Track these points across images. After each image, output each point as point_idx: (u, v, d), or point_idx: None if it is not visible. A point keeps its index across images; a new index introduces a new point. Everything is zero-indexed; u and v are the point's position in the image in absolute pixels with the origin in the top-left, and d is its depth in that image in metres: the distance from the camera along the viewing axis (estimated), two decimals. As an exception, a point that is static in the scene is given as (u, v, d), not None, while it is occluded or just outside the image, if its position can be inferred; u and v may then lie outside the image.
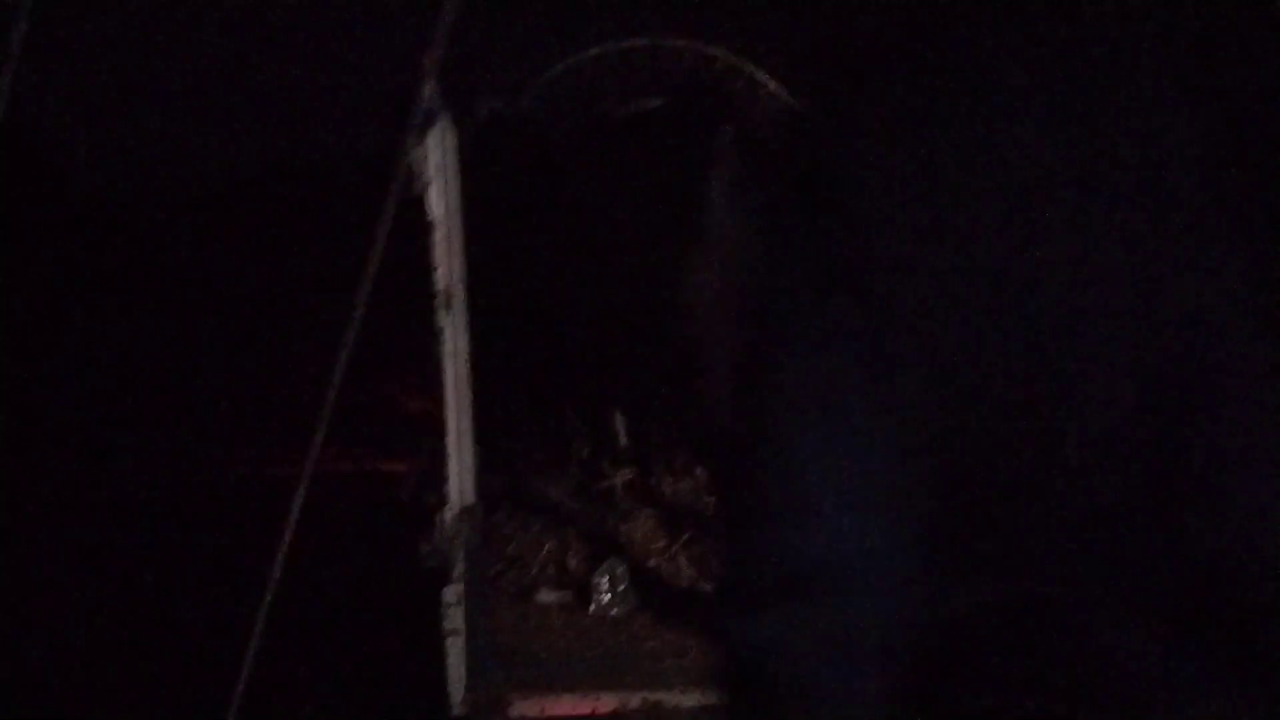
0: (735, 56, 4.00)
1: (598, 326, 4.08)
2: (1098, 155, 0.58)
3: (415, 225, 2.71)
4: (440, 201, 2.81)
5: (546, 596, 3.46)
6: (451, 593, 2.85)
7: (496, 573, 3.53)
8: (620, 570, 3.48)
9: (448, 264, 2.87)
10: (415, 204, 2.71)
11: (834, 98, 0.67)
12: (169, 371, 4.88)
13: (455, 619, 2.88)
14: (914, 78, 0.63)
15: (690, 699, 2.86)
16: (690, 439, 4.33)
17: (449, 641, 2.86)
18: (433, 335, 2.81)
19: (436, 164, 2.79)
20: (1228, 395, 0.58)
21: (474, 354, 2.98)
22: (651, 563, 3.59)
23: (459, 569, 2.80)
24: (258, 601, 2.33)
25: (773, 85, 3.81)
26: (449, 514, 2.80)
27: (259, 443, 4.26)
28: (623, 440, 4.75)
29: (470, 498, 2.92)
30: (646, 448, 4.55)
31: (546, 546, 3.67)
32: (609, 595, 3.41)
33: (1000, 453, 0.59)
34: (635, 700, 2.91)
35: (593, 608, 3.38)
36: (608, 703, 2.90)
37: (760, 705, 0.64)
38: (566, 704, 2.92)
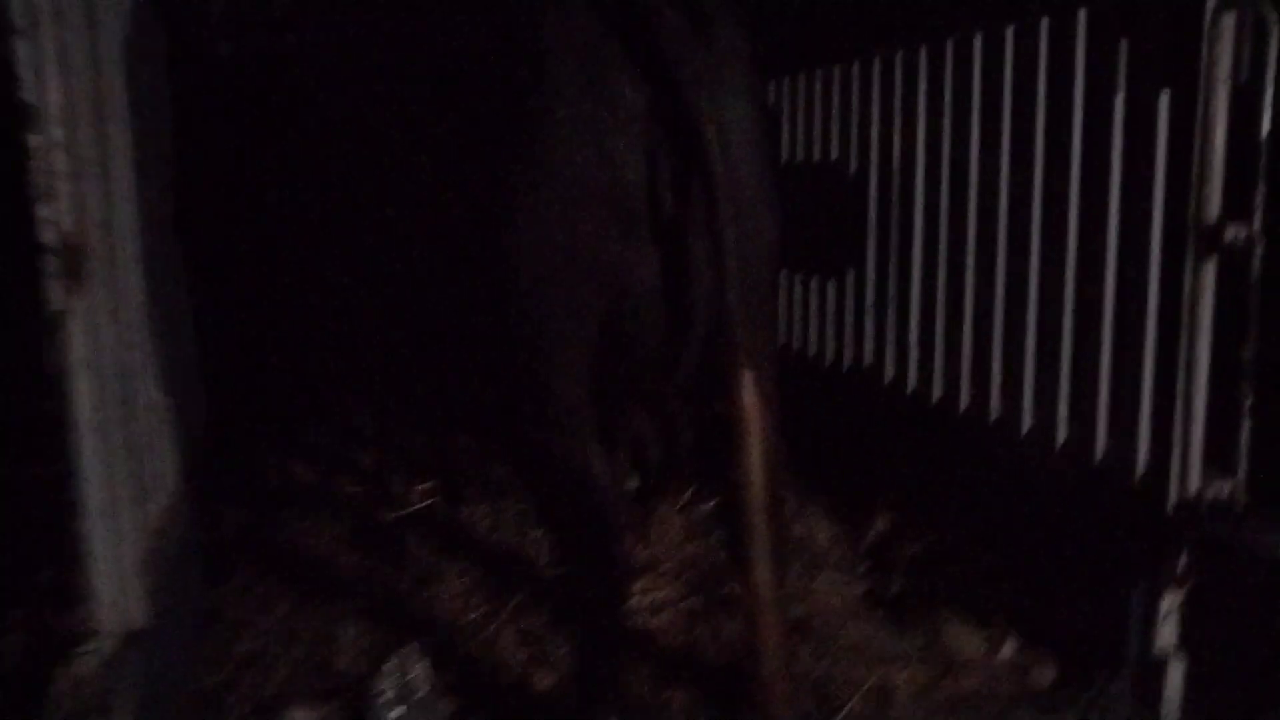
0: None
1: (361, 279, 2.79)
2: None
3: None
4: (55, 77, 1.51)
5: (300, 717, 2.25)
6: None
7: (219, 684, 2.28)
8: (416, 665, 2.31)
9: (75, 191, 1.57)
10: None
11: None
12: None
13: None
14: None
15: None
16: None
17: None
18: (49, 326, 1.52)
19: None
20: None
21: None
22: (465, 645, 2.43)
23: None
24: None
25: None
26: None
27: None
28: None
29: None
30: (454, 454, 3.36)
31: (302, 636, 2.44)
32: (399, 709, 2.24)
33: None
34: None
35: (374, 730, 2.20)
36: None
37: None
38: None
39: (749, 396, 1.75)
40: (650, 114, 1.74)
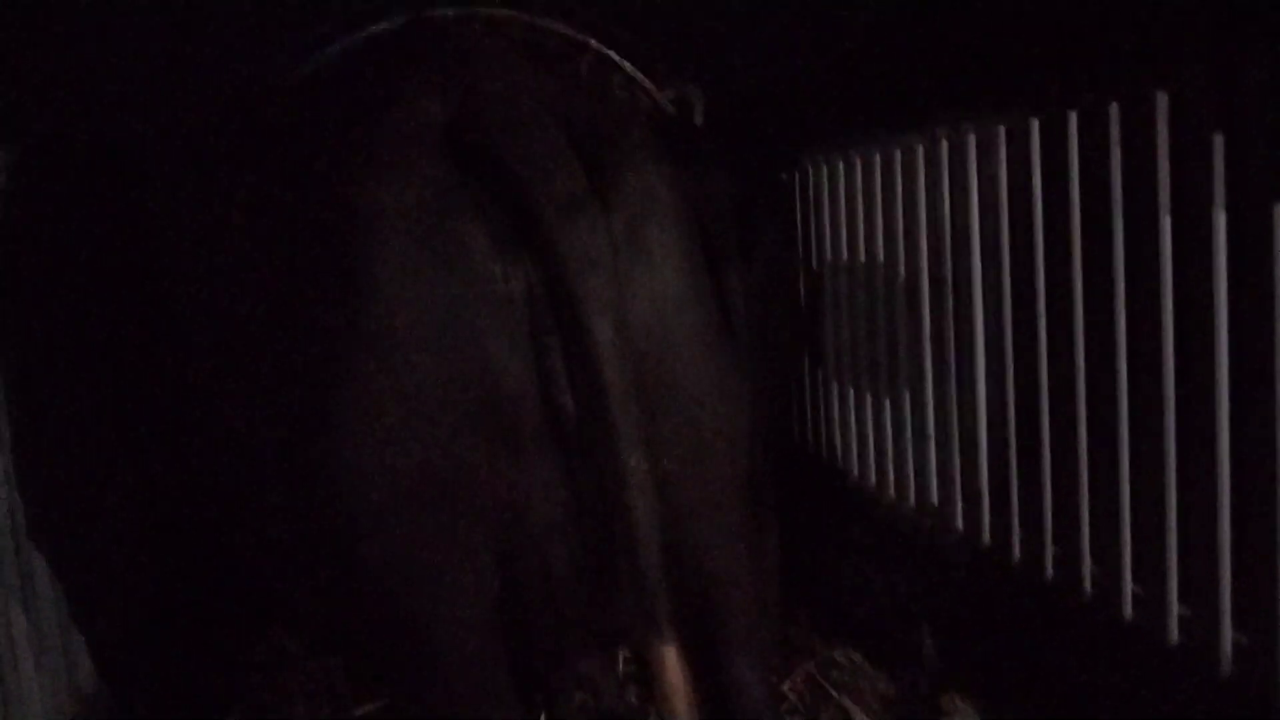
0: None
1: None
2: None
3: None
4: None
5: None
6: None
7: None
8: None
9: None
10: None
11: None
12: None
13: None
14: None
15: None
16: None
17: None
18: None
19: None
20: None
21: None
22: None
23: None
24: None
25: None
26: None
27: None
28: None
29: None
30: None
31: None
32: None
33: None
34: None
35: None
36: None
37: None
38: None
39: (673, 678, 1.28)
40: (532, 298, 1.31)
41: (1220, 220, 1.73)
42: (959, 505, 2.64)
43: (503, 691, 1.45)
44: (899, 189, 2.81)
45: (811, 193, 3.31)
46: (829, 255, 3.21)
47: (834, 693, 2.37)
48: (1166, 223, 1.88)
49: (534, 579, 1.41)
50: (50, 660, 2.14)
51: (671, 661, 1.30)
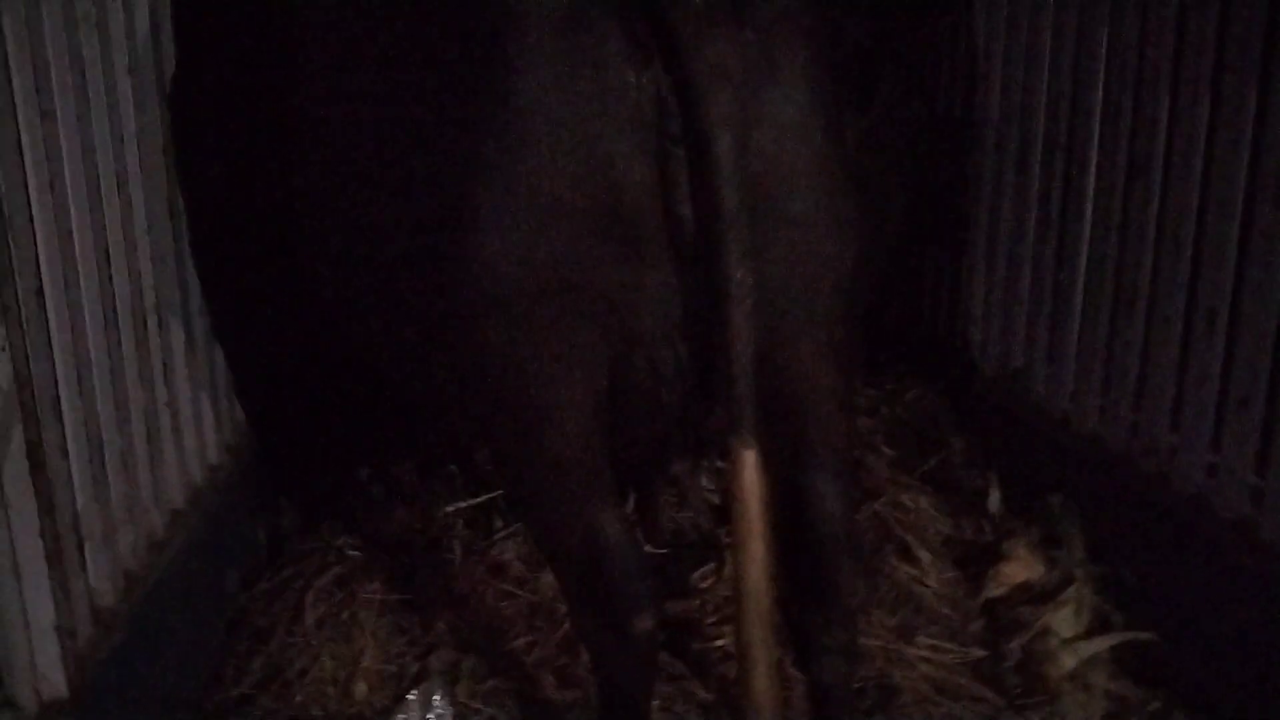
0: None
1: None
2: None
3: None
4: None
5: (314, 748, 2.07)
6: None
7: (231, 700, 2.12)
8: (439, 700, 2.08)
9: None
10: None
11: None
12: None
13: None
14: None
15: None
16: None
17: None
18: None
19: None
20: None
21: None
22: (498, 679, 2.17)
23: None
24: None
25: None
26: None
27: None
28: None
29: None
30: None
31: (325, 654, 2.24)
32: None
33: None
34: None
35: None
36: None
37: None
38: None
39: (749, 481, 1.37)
40: (663, 107, 1.34)
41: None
42: (1040, 369, 2.67)
43: (600, 479, 1.55)
44: (1026, 46, 2.74)
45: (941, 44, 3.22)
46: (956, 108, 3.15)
47: (898, 530, 2.47)
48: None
49: (640, 380, 1.49)
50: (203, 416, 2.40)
51: (749, 465, 1.39)
